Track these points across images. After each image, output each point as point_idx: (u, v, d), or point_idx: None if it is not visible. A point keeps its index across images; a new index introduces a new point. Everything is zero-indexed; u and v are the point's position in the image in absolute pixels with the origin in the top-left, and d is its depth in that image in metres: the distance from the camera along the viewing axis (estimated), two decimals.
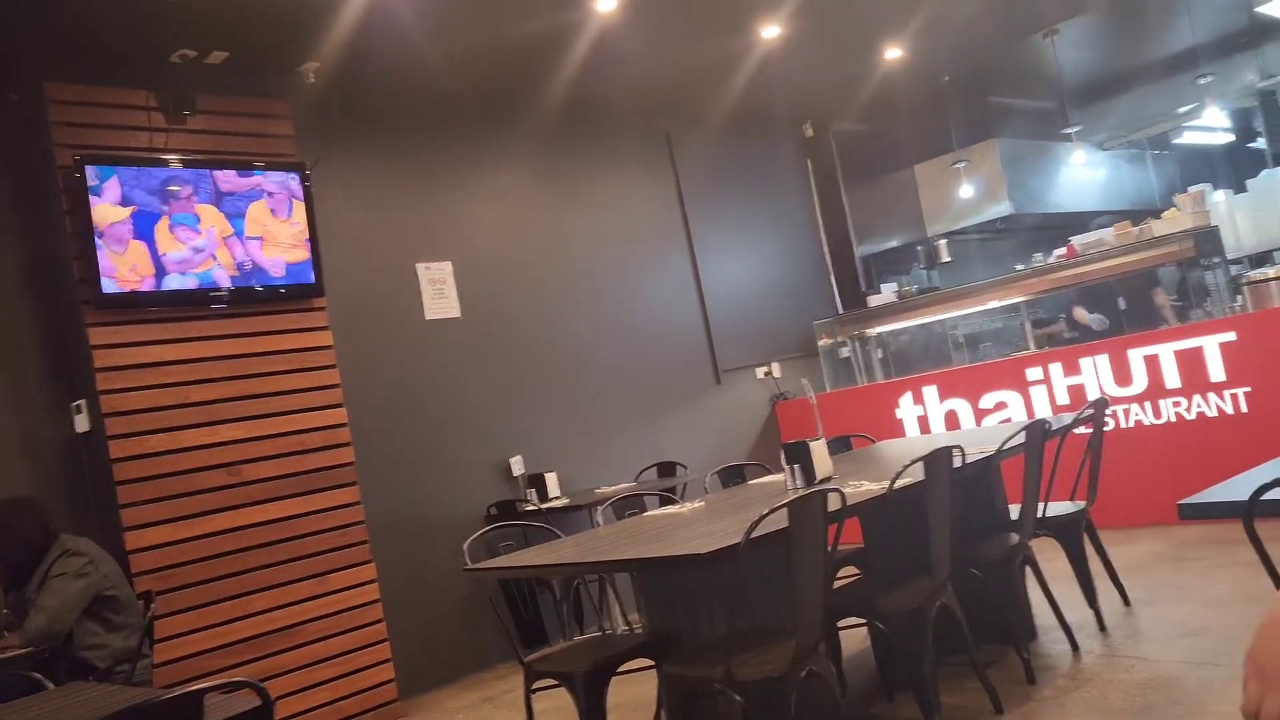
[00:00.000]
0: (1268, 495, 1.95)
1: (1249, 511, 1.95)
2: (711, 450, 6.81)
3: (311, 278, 4.95)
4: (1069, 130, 8.38)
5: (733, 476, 4.91)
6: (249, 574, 4.60)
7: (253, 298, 4.77)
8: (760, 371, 7.48)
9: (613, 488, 5.76)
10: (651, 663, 3.40)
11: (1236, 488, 2.24)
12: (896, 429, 6.75)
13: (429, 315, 5.80)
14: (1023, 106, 8.96)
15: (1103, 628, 4.09)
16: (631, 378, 6.69)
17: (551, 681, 3.34)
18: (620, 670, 3.32)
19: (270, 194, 4.85)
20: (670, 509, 4.01)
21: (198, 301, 4.60)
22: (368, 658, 4.92)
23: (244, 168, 4.79)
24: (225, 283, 4.66)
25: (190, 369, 4.58)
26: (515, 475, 5.94)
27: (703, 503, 4.01)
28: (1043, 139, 9.02)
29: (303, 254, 4.93)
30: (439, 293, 5.84)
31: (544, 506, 5.51)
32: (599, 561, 3.11)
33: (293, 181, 4.94)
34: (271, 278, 4.82)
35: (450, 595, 5.52)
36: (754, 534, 2.65)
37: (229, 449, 4.63)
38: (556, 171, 6.62)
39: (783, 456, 3.76)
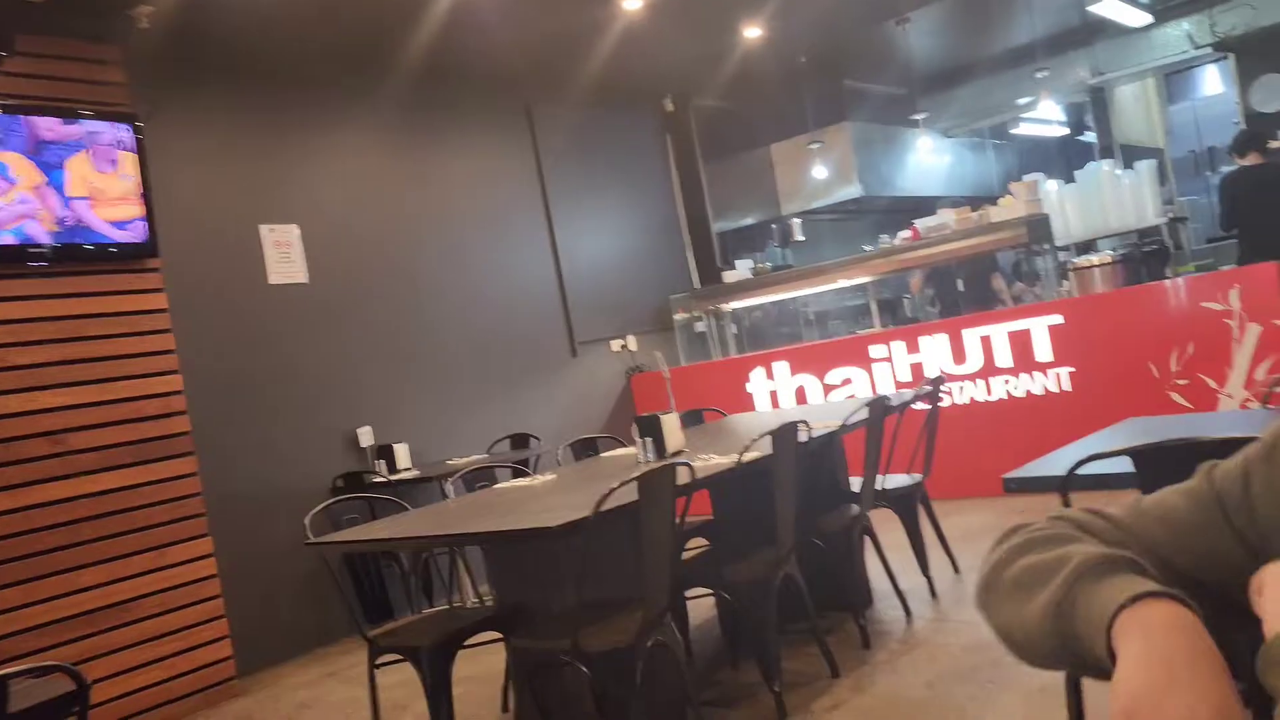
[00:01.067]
0: (1083, 469, 2.08)
1: (1065, 485, 2.08)
2: (566, 422, 6.80)
3: (145, 236, 4.68)
4: (917, 116, 8.69)
5: (586, 449, 4.92)
6: (78, 548, 4.34)
7: (78, 256, 4.46)
8: (616, 344, 7.52)
9: (464, 460, 5.69)
10: (500, 635, 3.38)
11: (1055, 462, 2.37)
12: (747, 403, 6.90)
13: (272, 279, 5.57)
14: (875, 91, 9.25)
15: (934, 594, 4.30)
16: (486, 349, 6.61)
17: (397, 655, 3.28)
18: (469, 643, 3.29)
19: (97, 145, 4.54)
20: (522, 481, 3.99)
21: (14, 259, 4.28)
22: (204, 634, 4.73)
23: (68, 115, 4.47)
24: (45, 239, 4.35)
25: (8, 331, 4.27)
26: (363, 446, 5.80)
27: (555, 475, 4.01)
28: (893, 124, 9.33)
29: (135, 211, 4.65)
30: (284, 256, 5.62)
31: (393, 478, 5.40)
32: (447, 534, 3.07)
33: (123, 133, 4.64)
34: (99, 235, 4.53)
35: (292, 569, 5.35)
36: (604, 507, 2.66)
37: (53, 416, 4.35)
38: (412, 137, 6.44)
39: (635, 429, 3.78)
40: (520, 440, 6.16)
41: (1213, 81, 12.34)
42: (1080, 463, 2.06)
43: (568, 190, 7.35)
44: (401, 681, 3.97)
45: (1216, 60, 9.27)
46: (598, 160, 7.65)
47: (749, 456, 3.30)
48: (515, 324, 6.84)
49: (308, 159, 5.85)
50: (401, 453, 5.68)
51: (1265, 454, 0.82)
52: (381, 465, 5.64)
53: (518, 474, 4.28)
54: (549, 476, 3.97)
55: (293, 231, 5.67)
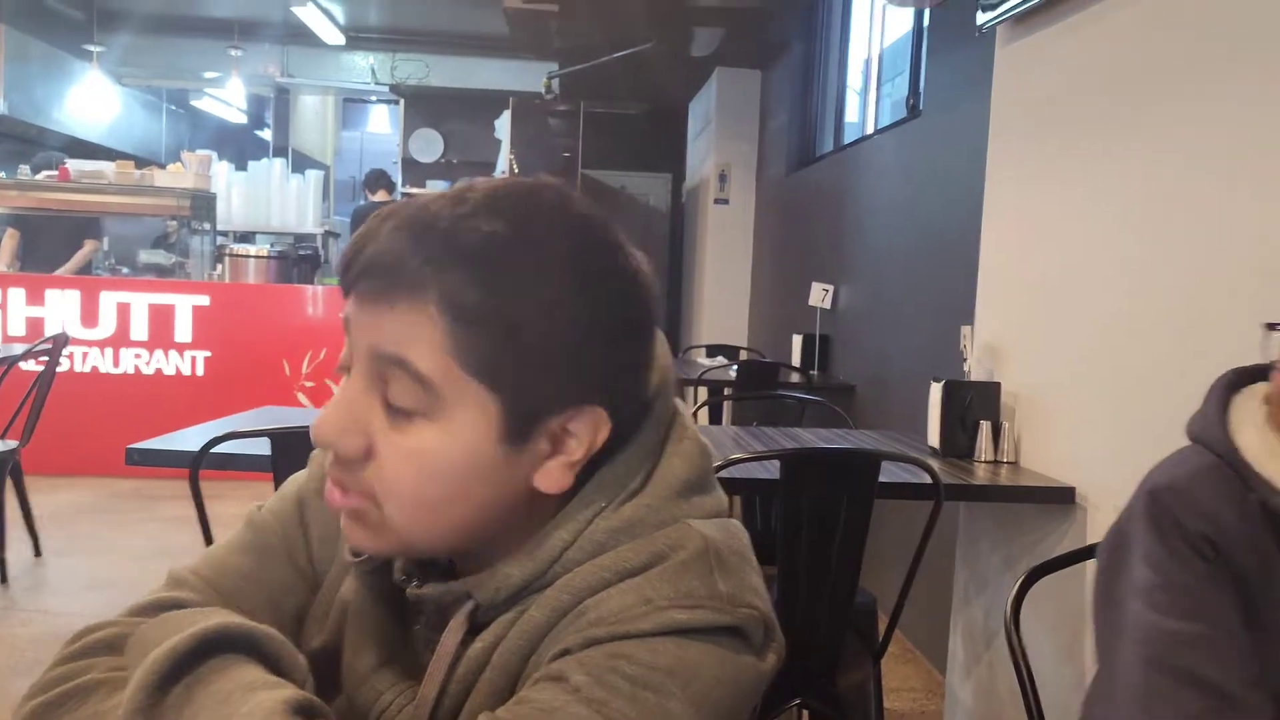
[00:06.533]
0: (219, 448, 1.96)
1: (197, 461, 1.93)
2: None
3: None
4: (92, 49, 7.78)
5: None
6: None
7: None
8: None
9: None
10: None
11: (188, 438, 2.21)
12: None
13: None
14: (48, 3, 8.03)
15: (4, 579, 3.72)
16: None
17: None
18: None
19: None
20: None
21: None
22: None
23: None
24: None
25: None
26: None
27: None
28: (61, 47, 8.19)
29: None
30: None
31: None
32: None
33: None
34: None
35: None
36: None
37: None
38: None
39: None
40: None
41: (381, 119, 13.54)
42: (218, 440, 1.93)
43: None
44: None
45: (390, 101, 10.14)
46: None
47: None
48: None
49: None
50: None
51: (317, 488, 0.79)
52: None
53: None
54: None
55: None
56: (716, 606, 0.64)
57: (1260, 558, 1.02)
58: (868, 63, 4.96)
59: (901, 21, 4.35)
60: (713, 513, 0.71)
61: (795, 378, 4.56)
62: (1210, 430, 1.07)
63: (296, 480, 0.82)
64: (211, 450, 1.97)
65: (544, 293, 0.63)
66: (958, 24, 3.21)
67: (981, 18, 2.71)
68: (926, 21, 3.88)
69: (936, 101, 3.66)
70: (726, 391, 4.28)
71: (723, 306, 6.79)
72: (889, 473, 2.14)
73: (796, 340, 4.85)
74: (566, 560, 0.67)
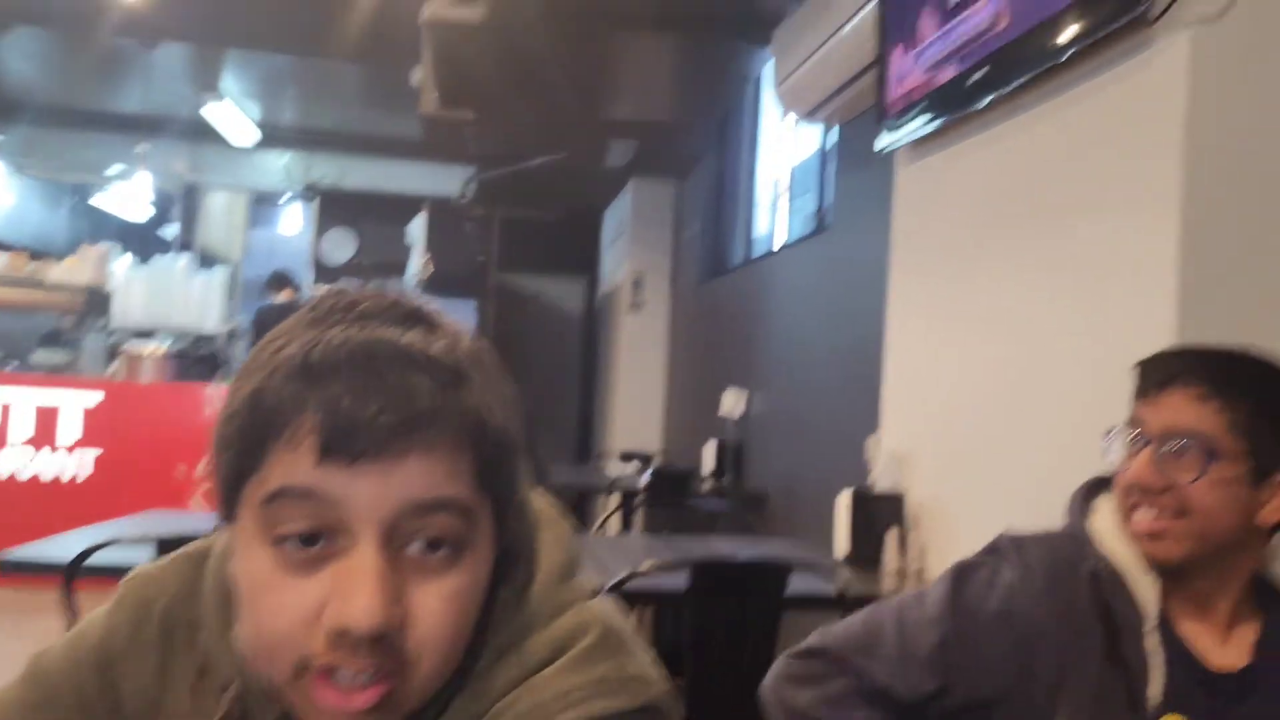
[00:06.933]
0: (100, 557, 1.85)
1: (72, 571, 1.81)
2: None
3: None
4: None
5: None
6: None
7: None
8: None
9: None
10: None
11: (65, 545, 2.08)
12: None
13: None
14: None
15: None
16: None
17: None
18: None
19: None
20: None
21: None
22: None
23: None
24: None
25: None
26: None
27: None
28: None
29: None
30: None
31: None
32: None
33: None
34: None
35: None
36: None
37: None
38: None
39: None
40: None
41: (293, 218, 13.43)
42: (97, 547, 1.82)
43: None
44: None
45: (302, 201, 10.07)
46: None
47: None
48: None
49: None
50: None
51: (129, 637, 0.71)
52: None
53: None
54: None
55: None
56: (633, 690, 0.63)
57: (1073, 623, 1.11)
58: (778, 178, 5.13)
59: (812, 139, 4.52)
60: (591, 593, 0.70)
61: (707, 485, 4.55)
62: (1071, 512, 1.22)
63: (96, 626, 0.71)
64: (90, 558, 1.86)
65: (509, 391, 0.65)
66: (861, 143, 3.35)
67: (881, 140, 2.82)
68: (833, 140, 4.03)
69: (842, 217, 3.78)
70: (638, 499, 4.24)
71: (636, 413, 6.79)
72: (799, 581, 2.12)
73: (709, 447, 4.85)
74: (479, 667, 0.64)
